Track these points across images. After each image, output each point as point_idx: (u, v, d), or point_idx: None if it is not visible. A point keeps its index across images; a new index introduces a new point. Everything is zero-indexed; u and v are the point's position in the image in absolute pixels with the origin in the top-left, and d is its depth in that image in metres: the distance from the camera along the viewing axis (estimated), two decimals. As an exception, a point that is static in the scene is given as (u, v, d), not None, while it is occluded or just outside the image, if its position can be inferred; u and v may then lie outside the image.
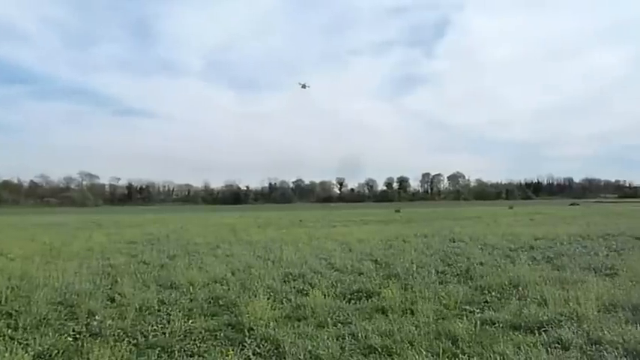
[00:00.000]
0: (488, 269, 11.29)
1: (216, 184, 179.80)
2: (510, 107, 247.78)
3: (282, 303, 8.51)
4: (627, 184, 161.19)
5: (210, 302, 8.78)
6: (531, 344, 5.89)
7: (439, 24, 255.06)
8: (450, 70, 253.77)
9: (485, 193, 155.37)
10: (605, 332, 6.06)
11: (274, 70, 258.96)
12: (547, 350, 5.63)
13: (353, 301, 8.67)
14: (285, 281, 10.59)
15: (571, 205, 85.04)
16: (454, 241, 18.35)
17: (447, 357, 5.67)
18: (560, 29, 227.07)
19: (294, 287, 9.89)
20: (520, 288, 9.08)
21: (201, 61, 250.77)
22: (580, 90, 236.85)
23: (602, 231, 22.02)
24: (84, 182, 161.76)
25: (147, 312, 8.13)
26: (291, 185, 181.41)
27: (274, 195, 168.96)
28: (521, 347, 5.76)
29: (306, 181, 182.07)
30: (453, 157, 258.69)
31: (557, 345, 5.83)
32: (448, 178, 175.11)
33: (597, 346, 5.66)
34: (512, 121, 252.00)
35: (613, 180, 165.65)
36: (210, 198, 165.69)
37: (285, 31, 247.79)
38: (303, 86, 67.40)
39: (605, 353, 5.38)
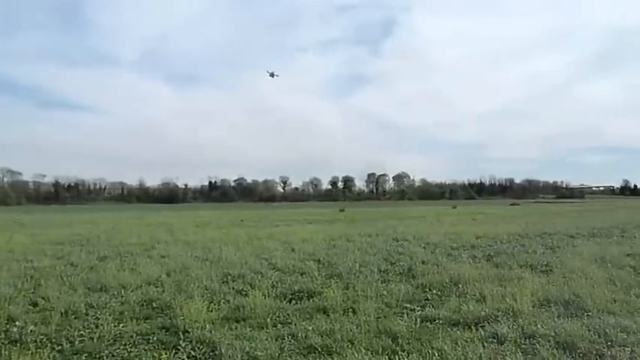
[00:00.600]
0: (430, 268, 11.95)
1: (153, 182, 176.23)
2: (456, 109, 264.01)
3: (220, 304, 8.58)
4: (564, 185, 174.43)
5: (143, 305, 8.69)
6: (469, 339, 6.34)
7: (386, 23, 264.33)
8: (397, 71, 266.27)
9: (430, 193, 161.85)
10: (539, 326, 6.62)
11: (216, 64, 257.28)
12: (483, 345, 6.08)
13: (294, 302, 8.89)
14: (223, 282, 10.68)
15: (512, 205, 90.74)
16: (398, 241, 19.15)
17: (387, 354, 5.98)
18: (507, 34, 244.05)
19: (233, 288, 10.02)
20: (460, 285, 9.70)
21: (136, 53, 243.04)
22: (523, 94, 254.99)
23: (539, 230, 23.83)
24: (5, 179, 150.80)
25: (73, 316, 7.92)
26: (233, 184, 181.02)
27: (214, 194, 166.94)
28: (459, 343, 6.20)
29: (249, 180, 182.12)
30: (398, 157, 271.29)
31: (493, 340, 6.30)
32: (393, 178, 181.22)
33: (531, 339, 6.18)
34: (458, 122, 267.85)
35: (551, 181, 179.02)
36: (146, 196, 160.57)
37: (227, 25, 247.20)
38: (272, 75, 66.24)
39: (538, 346, 5.88)
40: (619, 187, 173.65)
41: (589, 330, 6.38)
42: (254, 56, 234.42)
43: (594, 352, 5.63)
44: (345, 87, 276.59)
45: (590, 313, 7.23)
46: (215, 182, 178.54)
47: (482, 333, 6.59)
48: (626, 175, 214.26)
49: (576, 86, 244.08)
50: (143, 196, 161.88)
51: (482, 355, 5.69)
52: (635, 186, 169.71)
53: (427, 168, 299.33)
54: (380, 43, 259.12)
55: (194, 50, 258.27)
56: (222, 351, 6.13)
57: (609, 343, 5.84)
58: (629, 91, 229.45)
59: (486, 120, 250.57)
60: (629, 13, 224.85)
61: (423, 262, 12.90)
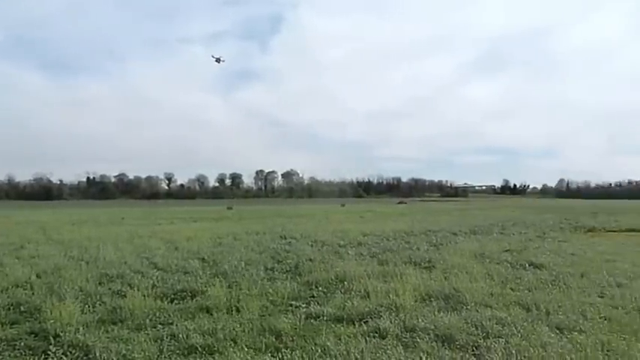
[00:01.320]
0: (316, 265, 12.49)
1: (23, 177, 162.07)
2: (344, 107, 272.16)
3: (96, 306, 8.46)
4: (449, 185, 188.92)
5: (9, 309, 8.36)
6: (352, 335, 6.68)
7: (274, 19, 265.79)
8: (285, 67, 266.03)
9: (319, 191, 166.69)
10: (420, 320, 7.14)
11: (94, 54, 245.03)
12: (366, 340, 6.43)
13: (176, 301, 8.91)
14: (100, 283, 10.52)
15: (399, 203, 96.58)
16: (285, 239, 19.82)
17: (270, 352, 6.17)
18: (394, 35, 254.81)
19: (110, 289, 9.91)
20: (346, 282, 10.16)
21: (2, 36, 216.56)
22: (410, 94, 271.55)
23: (424, 227, 25.65)
24: None
25: None
26: (113, 180, 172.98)
27: (93, 190, 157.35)
28: (342, 338, 6.52)
29: (131, 176, 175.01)
30: (287, 154, 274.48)
31: (375, 334, 6.70)
32: (282, 175, 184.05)
33: (412, 333, 6.65)
34: (346, 121, 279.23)
35: (436, 180, 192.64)
36: (16, 193, 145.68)
37: (107, 13, 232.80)
38: (217, 60, 62.45)
39: (418, 339, 6.34)
40: (500, 186, 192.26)
41: (467, 323, 7.00)
42: (137, 46, 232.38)
43: (471, 343, 6.19)
44: (233, 82, 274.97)
45: (468, 307, 7.92)
46: (94, 178, 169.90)
47: (366, 328, 6.98)
48: (506, 175, 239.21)
49: (460, 88, 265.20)
50: (12, 192, 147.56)
51: (365, 350, 6.00)
52: (515, 185, 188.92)
53: (316, 166, 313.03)
54: (268, 38, 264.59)
55: (71, 38, 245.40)
56: (97, 354, 6.08)
57: (485, 335, 6.45)
58: (507, 95, 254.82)
59: (374, 119, 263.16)
60: (508, 21, 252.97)
61: (310, 260, 13.43)
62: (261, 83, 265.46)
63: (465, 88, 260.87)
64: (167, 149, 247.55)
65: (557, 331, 6.54)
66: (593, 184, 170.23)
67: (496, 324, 6.85)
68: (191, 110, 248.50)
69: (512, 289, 9.28)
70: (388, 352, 5.91)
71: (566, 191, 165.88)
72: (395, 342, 6.31)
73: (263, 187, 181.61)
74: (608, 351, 5.69)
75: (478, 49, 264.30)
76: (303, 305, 8.46)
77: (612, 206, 61.39)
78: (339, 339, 6.49)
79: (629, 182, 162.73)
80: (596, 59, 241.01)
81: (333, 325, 7.22)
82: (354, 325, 7.20)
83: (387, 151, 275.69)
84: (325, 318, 7.61)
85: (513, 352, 5.71)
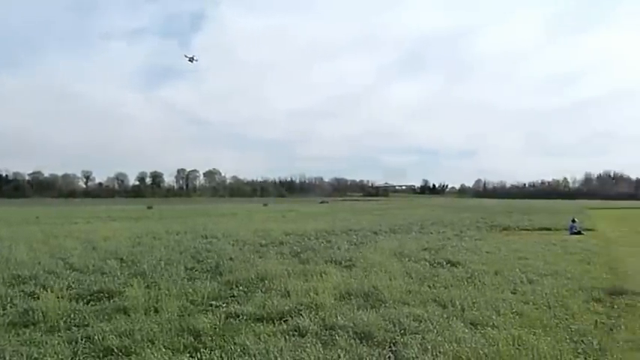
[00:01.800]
0: (237, 264, 12.48)
1: None
2: (269, 106, 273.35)
3: (6, 309, 8.18)
4: (370, 184, 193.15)
5: None
6: (271, 333, 6.68)
7: (196, 17, 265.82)
8: (208, 65, 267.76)
9: (242, 190, 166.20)
10: (339, 318, 7.20)
11: (10, 47, 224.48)
12: (285, 338, 6.42)
13: (92, 303, 8.68)
14: (11, 285, 10.15)
15: (321, 202, 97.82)
16: (207, 238, 19.72)
17: (189, 352, 6.09)
18: (318, 34, 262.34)
19: (22, 291, 9.56)
20: (266, 281, 10.16)
21: None
22: (332, 94, 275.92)
23: (345, 227, 26.12)
24: None
25: None
26: (28, 177, 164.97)
27: (5, 188, 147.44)
28: (262, 337, 6.50)
29: (46, 174, 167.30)
30: (210, 153, 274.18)
31: (295, 333, 6.71)
32: (204, 174, 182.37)
33: (331, 331, 6.70)
34: (269, 120, 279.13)
35: (359, 180, 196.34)
36: None
37: (24, 6, 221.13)
38: (191, 59, 59.00)
39: (337, 337, 6.39)
40: (419, 186, 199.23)
41: (385, 320, 7.14)
42: (56, 41, 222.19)
43: (389, 340, 6.31)
44: (154, 79, 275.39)
45: (387, 304, 8.10)
46: (6, 176, 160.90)
47: (285, 327, 6.98)
48: (426, 175, 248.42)
49: (382, 88, 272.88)
50: None
51: (284, 348, 6.00)
52: (434, 185, 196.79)
53: (239, 165, 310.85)
54: (190, 36, 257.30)
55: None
56: (7, 358, 5.83)
57: (403, 331, 6.60)
58: (428, 96, 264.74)
59: (298, 118, 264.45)
60: (428, 24, 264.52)
61: (230, 259, 13.40)
62: (184, 81, 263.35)
63: (387, 89, 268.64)
64: (85, 146, 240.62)
65: (472, 327, 6.79)
66: (508, 185, 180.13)
67: (413, 321, 7.04)
68: (111, 107, 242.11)
69: (429, 287, 9.57)
70: (307, 350, 5.90)
71: (483, 191, 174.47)
72: (314, 340, 6.33)
73: (184, 186, 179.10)
74: (519, 345, 5.96)
75: (400, 50, 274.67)
76: (223, 305, 8.40)
77: (526, 206, 65.29)
78: (259, 338, 6.47)
79: (542, 182, 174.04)
80: (512, 62, 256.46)
81: (253, 324, 7.19)
82: (274, 323, 7.20)
83: (310, 151, 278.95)
84: (245, 317, 7.57)
85: (429, 347, 5.87)
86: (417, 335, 6.41)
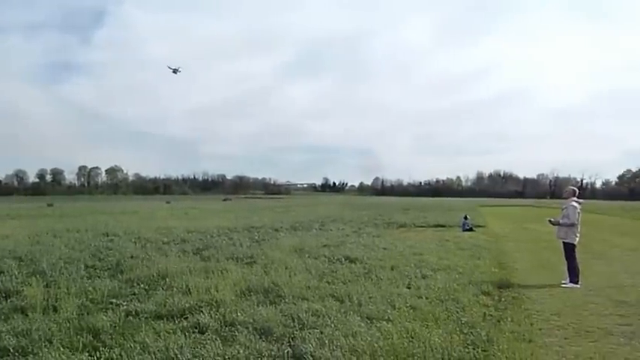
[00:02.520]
0: (139, 262, 12.19)
1: None
2: (171, 104, 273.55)
3: None
4: (272, 182, 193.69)
5: None
6: (171, 331, 6.58)
7: (96, 12, 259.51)
8: (108, 62, 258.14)
9: (144, 187, 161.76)
10: (239, 315, 7.18)
11: None
12: (185, 335, 6.37)
13: None
14: None
15: (224, 200, 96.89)
16: (108, 236, 19.19)
17: (88, 351, 5.92)
18: (217, 33, 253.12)
19: None
20: (167, 279, 9.97)
21: None
22: (233, 92, 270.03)
23: (247, 224, 26.10)
24: None
25: None
26: None
27: None
28: (162, 334, 6.40)
29: None
30: (112, 150, 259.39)
31: (195, 329, 6.65)
32: (106, 171, 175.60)
33: (231, 327, 6.67)
34: (172, 117, 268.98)
35: (261, 178, 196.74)
36: None
37: None
38: (175, 71, 53.44)
39: (237, 333, 6.40)
40: (320, 184, 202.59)
41: (284, 315, 7.22)
42: None
43: (288, 335, 6.38)
44: (54, 75, 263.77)
45: (286, 300, 8.17)
46: None
47: (186, 324, 6.90)
48: (326, 173, 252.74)
49: (281, 89, 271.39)
50: None
51: (184, 345, 5.95)
52: (334, 183, 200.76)
53: (141, 163, 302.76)
54: (91, 32, 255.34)
55: None
56: None
57: (301, 327, 6.70)
58: (328, 96, 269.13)
59: (199, 116, 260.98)
60: (326, 25, 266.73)
61: (132, 257, 13.14)
62: (84, 77, 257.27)
63: (287, 88, 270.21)
64: None
65: (368, 321, 7.02)
66: (405, 183, 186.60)
67: (312, 316, 7.15)
68: (8, 103, 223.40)
69: (328, 283, 9.78)
70: (207, 346, 5.86)
71: (381, 189, 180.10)
72: (214, 336, 6.29)
73: (86, 184, 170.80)
74: (412, 337, 6.24)
75: (299, 50, 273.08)
76: (124, 303, 8.18)
77: (422, 204, 68.07)
78: (159, 335, 6.36)
79: (437, 181, 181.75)
80: (407, 65, 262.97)
81: (153, 322, 7.04)
82: (175, 321, 7.10)
83: (212, 149, 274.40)
84: (146, 315, 7.41)
85: (326, 341, 6.00)
86: (315, 330, 6.53)
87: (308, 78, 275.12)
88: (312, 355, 5.63)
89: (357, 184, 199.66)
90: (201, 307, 7.69)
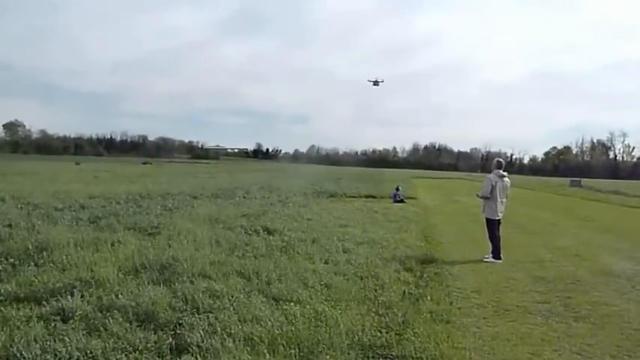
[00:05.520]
0: (17, 232, 10.89)
1: None
2: (88, 55, 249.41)
3: None
4: (200, 146, 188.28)
5: None
6: (26, 319, 5.62)
7: None
8: (11, 4, 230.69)
9: (51, 147, 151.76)
10: (121, 296, 6.33)
11: None
12: (42, 324, 5.44)
13: None
14: None
15: (144, 164, 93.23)
16: None
17: None
18: None
19: None
20: (47, 252, 8.81)
21: None
22: (159, 48, 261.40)
23: (164, 190, 24.84)
24: None
25: None
26: None
27: None
28: (11, 324, 5.45)
29: None
30: (13, 103, 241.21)
31: (57, 316, 5.72)
32: (4, 126, 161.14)
33: (106, 312, 5.79)
34: (89, 70, 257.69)
35: (187, 141, 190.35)
36: None
37: None
38: (375, 83, 48.56)
39: (111, 320, 5.52)
40: (252, 149, 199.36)
41: (176, 297, 6.45)
42: None
43: (174, 321, 5.62)
44: None
45: (184, 278, 7.36)
46: None
47: (48, 309, 5.95)
48: (260, 138, 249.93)
49: (213, 47, 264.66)
50: None
51: (37, 338, 5.02)
52: (267, 149, 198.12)
53: (49, 118, 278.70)
54: None
55: None
56: None
57: (194, 310, 5.97)
58: (264, 58, 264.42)
59: (119, 71, 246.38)
60: None
61: (9, 226, 11.73)
62: None
63: (220, 47, 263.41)
64: None
65: (274, 302, 6.41)
66: (341, 152, 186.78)
67: (209, 297, 6.42)
68: None
69: (238, 257, 9.05)
70: (66, 338, 4.97)
71: (316, 157, 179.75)
72: (78, 325, 5.43)
73: None
74: (320, 321, 5.70)
75: (235, 6, 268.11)
76: None
77: (356, 173, 67.69)
78: (7, 324, 5.40)
79: (374, 151, 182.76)
80: (350, 33, 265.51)
81: (8, 307, 6.05)
82: (37, 305, 6.12)
83: (133, 107, 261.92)
84: (1, 298, 6.40)
85: (218, 329, 5.30)
86: (209, 314, 5.80)
87: (244, 37, 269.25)
88: (197, 346, 4.93)
89: (291, 151, 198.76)
90: (77, 287, 6.77)
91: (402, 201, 24.93)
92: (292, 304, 6.30)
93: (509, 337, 5.93)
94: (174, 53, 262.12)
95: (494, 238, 10.81)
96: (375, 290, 7.39)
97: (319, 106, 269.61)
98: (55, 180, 33.03)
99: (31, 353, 4.67)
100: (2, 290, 6.62)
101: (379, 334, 5.61)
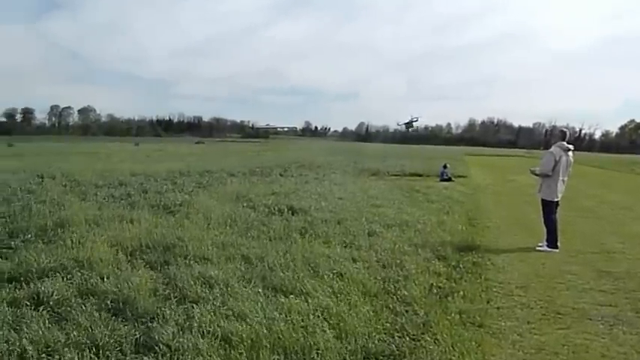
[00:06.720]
0: (45, 208, 10.93)
1: None
2: (147, 42, 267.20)
3: None
4: (251, 125, 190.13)
5: None
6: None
7: None
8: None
9: (117, 129, 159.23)
10: (106, 281, 5.79)
11: None
12: (11, 309, 5.03)
13: None
14: None
15: (197, 143, 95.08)
16: (42, 178, 18.07)
17: None
18: None
19: None
20: (62, 230, 8.54)
21: None
22: (212, 31, 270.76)
23: (204, 168, 24.60)
24: None
25: None
26: None
27: None
28: None
29: None
30: (85, 89, 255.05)
31: (31, 301, 5.22)
32: (79, 111, 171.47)
33: (84, 298, 5.31)
34: (148, 56, 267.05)
35: (239, 120, 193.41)
36: None
37: None
38: (409, 124, 49.19)
39: (85, 307, 4.96)
40: (302, 128, 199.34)
41: (164, 283, 5.87)
42: None
43: (152, 312, 4.98)
44: (27, 10, 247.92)
45: (185, 260, 6.77)
46: None
47: (23, 293, 5.45)
48: (309, 116, 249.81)
49: (263, 27, 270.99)
50: None
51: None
52: (316, 127, 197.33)
53: (116, 103, 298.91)
54: None
55: None
56: None
57: (179, 300, 5.35)
58: (311, 36, 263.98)
59: (176, 55, 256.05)
60: None
61: (42, 202, 11.84)
62: (60, 13, 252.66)
63: (270, 27, 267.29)
64: None
65: (272, 294, 5.62)
66: (391, 129, 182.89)
67: (201, 285, 5.72)
68: None
69: (251, 238, 8.38)
70: (24, 328, 4.47)
71: (365, 135, 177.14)
72: (50, 312, 4.95)
73: (57, 124, 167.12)
74: (324, 319, 4.92)
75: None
76: None
77: (405, 151, 65.62)
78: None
79: (426, 128, 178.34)
80: (402, 6, 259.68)
81: None
82: (15, 288, 5.63)
83: (189, 90, 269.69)
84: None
85: (195, 325, 4.61)
86: (195, 305, 5.12)
87: (292, 16, 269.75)
88: (166, 345, 4.25)
89: (340, 129, 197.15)
90: (65, 268, 6.29)
91: (449, 179, 23.64)
92: (293, 296, 5.49)
93: (559, 350, 4.77)
94: (225, 37, 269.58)
95: (550, 222, 9.38)
96: (397, 282, 6.43)
97: (368, 82, 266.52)
98: (109, 159, 34.10)
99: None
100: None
101: (390, 339, 4.75)
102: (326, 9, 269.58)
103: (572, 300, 6.27)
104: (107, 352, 4.19)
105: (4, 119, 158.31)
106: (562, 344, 4.89)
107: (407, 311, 5.48)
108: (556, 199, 9.48)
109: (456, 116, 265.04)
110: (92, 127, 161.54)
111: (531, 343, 4.92)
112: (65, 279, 5.86)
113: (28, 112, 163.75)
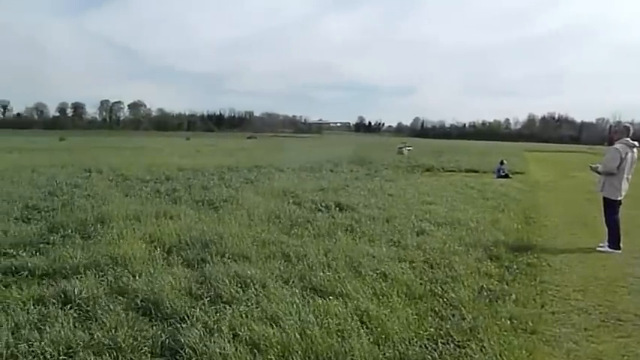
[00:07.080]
0: (88, 202, 10.99)
1: None
2: (198, 37, 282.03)
3: None
4: (303, 120, 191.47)
5: None
6: (23, 300, 5.06)
7: None
8: None
9: (168, 124, 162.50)
10: (138, 279, 5.62)
11: None
12: (36, 307, 4.89)
13: None
14: None
15: (249, 138, 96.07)
16: (90, 172, 18.56)
17: None
18: None
19: None
20: (101, 225, 8.46)
21: None
22: (263, 26, 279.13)
23: (253, 163, 24.72)
24: None
25: None
26: None
27: None
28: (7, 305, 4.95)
29: None
30: (135, 84, 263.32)
31: (58, 299, 5.06)
32: (129, 106, 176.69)
33: (114, 297, 5.15)
34: (199, 51, 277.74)
35: (291, 115, 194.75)
36: None
37: None
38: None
39: (112, 306, 4.78)
40: (355, 123, 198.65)
41: (198, 282, 5.63)
42: None
43: (182, 313, 4.74)
44: (78, 6, 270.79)
45: (224, 258, 6.52)
46: None
47: (52, 290, 5.31)
48: (362, 112, 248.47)
49: (316, 22, 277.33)
50: None
51: (21, 324, 4.48)
52: (370, 123, 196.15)
53: (165, 98, 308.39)
54: None
55: None
56: None
57: (214, 300, 5.10)
58: (365, 31, 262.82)
59: (228, 50, 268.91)
60: None
61: (88, 196, 12.02)
62: (110, 8, 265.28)
63: (323, 22, 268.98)
64: (3, 76, 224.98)
65: (311, 295, 5.28)
66: (448, 124, 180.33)
67: (236, 285, 5.45)
68: (32, 34, 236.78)
69: (296, 236, 8.10)
70: (47, 328, 4.32)
71: (421, 130, 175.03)
72: (74, 312, 4.76)
73: (108, 119, 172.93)
74: (362, 323, 4.60)
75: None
76: (18, 255, 6.73)
77: (461, 146, 64.31)
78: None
79: (483, 123, 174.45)
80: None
81: (19, 284, 5.59)
82: (45, 285, 5.55)
83: (241, 85, 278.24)
84: (25, 273, 5.94)
85: (224, 328, 4.34)
86: (227, 306, 4.88)
87: (345, 12, 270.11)
88: (192, 349, 4.00)
89: (394, 125, 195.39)
90: (100, 265, 6.16)
91: (506, 176, 22.78)
92: (331, 298, 5.16)
93: (618, 360, 4.37)
94: (277, 32, 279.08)
95: (612, 222, 8.74)
96: (445, 283, 6.04)
97: (424, 77, 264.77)
98: (158, 154, 34.39)
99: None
100: (31, 265, 6.18)
101: (433, 345, 4.37)
102: (382, 3, 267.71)
103: (635, 305, 5.74)
104: (129, 355, 3.98)
105: (57, 114, 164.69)
106: (622, 354, 4.49)
107: (453, 315, 5.10)
108: (620, 198, 8.84)
109: (515, 112, 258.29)
110: (143, 122, 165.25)
111: (588, 352, 4.51)
112: (97, 276, 5.73)
113: (79, 107, 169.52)
